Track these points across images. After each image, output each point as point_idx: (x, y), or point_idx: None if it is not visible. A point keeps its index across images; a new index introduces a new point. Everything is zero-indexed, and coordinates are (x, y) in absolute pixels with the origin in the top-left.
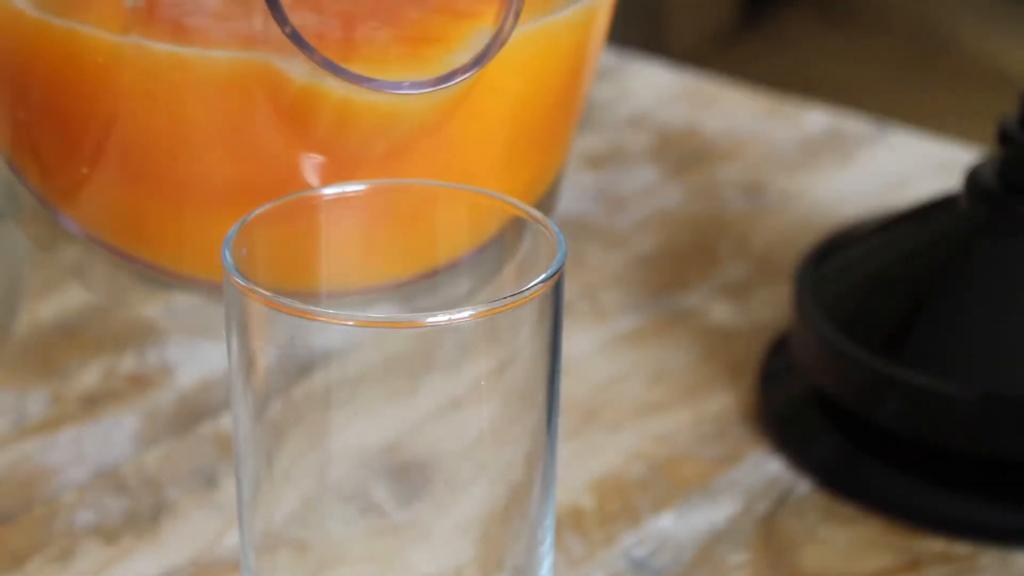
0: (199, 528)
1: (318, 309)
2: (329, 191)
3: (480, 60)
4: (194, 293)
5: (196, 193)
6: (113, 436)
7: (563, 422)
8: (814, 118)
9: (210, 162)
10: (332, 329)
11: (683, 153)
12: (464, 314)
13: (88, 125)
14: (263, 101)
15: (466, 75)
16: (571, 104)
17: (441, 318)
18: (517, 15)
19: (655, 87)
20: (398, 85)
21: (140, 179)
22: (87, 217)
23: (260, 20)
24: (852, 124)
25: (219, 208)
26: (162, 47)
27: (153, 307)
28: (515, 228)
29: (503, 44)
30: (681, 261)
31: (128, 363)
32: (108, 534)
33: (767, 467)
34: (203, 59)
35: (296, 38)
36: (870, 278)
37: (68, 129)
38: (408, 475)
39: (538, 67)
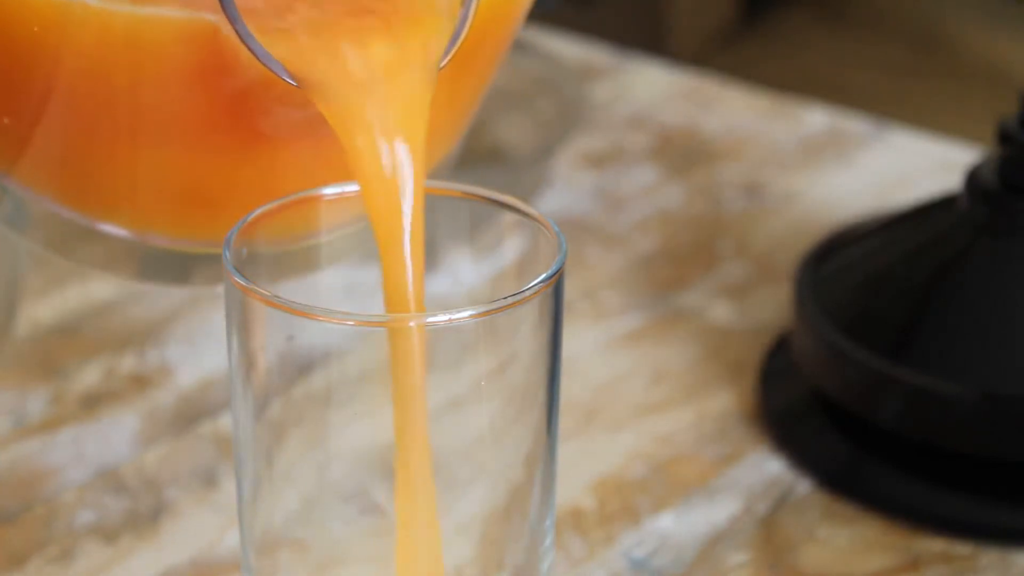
0: (199, 528)
1: (318, 309)
2: (329, 191)
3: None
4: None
5: (144, 150)
6: (113, 436)
7: (563, 422)
8: (814, 118)
9: (158, 121)
10: (332, 329)
11: (683, 153)
12: (464, 314)
13: (29, 81)
14: (214, 66)
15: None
16: (480, 76)
17: (441, 318)
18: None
19: (655, 87)
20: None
21: (84, 133)
22: (29, 174)
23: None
24: (852, 124)
25: (167, 162)
26: (109, 6)
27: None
28: None
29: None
30: (681, 261)
31: (128, 363)
32: (108, 534)
33: (767, 467)
34: (153, 19)
35: (263, 55)
36: (870, 278)
37: (9, 83)
38: None
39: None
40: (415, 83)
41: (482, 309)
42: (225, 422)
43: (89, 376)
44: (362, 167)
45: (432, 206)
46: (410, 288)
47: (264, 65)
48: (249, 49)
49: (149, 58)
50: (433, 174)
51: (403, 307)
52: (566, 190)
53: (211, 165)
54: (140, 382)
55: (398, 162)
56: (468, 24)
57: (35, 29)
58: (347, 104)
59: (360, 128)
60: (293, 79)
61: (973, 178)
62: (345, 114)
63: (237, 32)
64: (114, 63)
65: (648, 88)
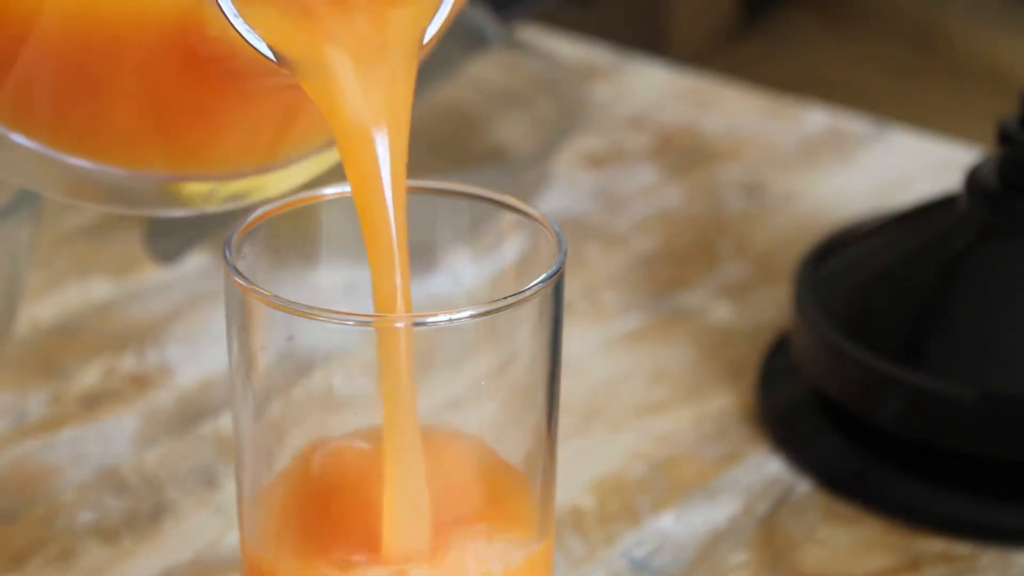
0: (199, 528)
1: (318, 309)
2: (329, 191)
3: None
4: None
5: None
6: (113, 436)
7: (563, 422)
8: (814, 118)
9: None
10: (332, 329)
11: (683, 153)
12: (464, 314)
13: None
14: (195, 40)
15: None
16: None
17: (441, 318)
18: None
19: (655, 87)
20: None
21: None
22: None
23: None
24: (852, 124)
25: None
26: None
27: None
28: None
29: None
30: (681, 261)
31: (128, 363)
32: (108, 534)
33: (767, 467)
34: None
35: (247, 34)
36: (870, 278)
37: None
38: None
39: None
40: (399, 62)
41: (482, 309)
42: (225, 422)
43: (89, 376)
44: (349, 145)
45: (432, 206)
46: (396, 262)
47: (249, 44)
48: (234, 28)
49: (129, 26)
50: None
51: (389, 284)
52: (566, 190)
53: (186, 110)
54: (140, 382)
55: (382, 140)
56: (451, 2)
57: None
58: (331, 85)
59: (344, 108)
60: (276, 58)
61: (973, 178)
62: (329, 94)
63: (222, 11)
64: (93, 26)
65: (648, 88)
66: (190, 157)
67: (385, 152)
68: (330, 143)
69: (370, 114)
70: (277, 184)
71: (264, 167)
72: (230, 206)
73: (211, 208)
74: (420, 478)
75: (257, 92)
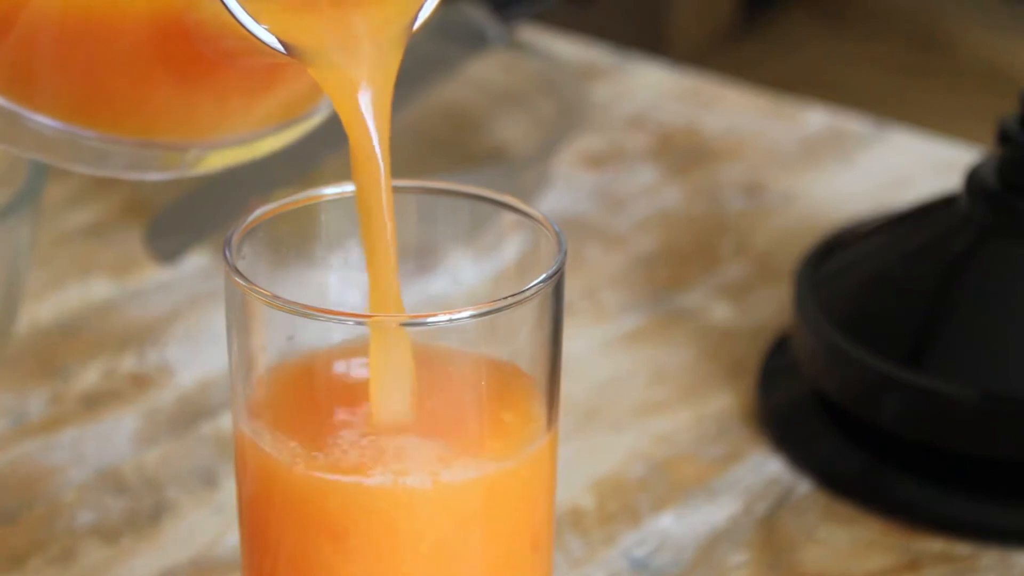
0: (199, 528)
1: (318, 309)
2: (329, 191)
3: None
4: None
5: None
6: (113, 436)
7: (563, 422)
8: (814, 118)
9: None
10: (332, 329)
11: (683, 153)
12: (464, 314)
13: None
14: (189, 28)
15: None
16: None
17: (441, 318)
18: None
19: (655, 87)
20: None
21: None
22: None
23: None
24: (852, 124)
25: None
26: None
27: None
28: None
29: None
30: (681, 261)
31: (128, 363)
32: (108, 534)
33: (767, 467)
34: None
35: (254, 29)
36: (870, 278)
37: None
38: None
39: None
40: (391, 48)
41: (482, 309)
42: (225, 422)
43: (89, 376)
44: (354, 124)
45: (432, 206)
46: (388, 232)
47: (257, 39)
48: (240, 24)
49: (124, 16)
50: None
51: (385, 261)
52: (566, 190)
53: (169, 82)
54: (140, 382)
55: (377, 116)
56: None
57: None
58: (342, 70)
59: (353, 91)
60: (284, 48)
61: (973, 178)
62: (341, 81)
63: (229, 10)
64: (88, 15)
65: (648, 88)
66: (168, 125)
67: (373, 127)
68: (301, 116)
69: (361, 94)
70: (252, 151)
71: (241, 137)
72: (204, 172)
73: (187, 174)
74: (405, 351)
75: (243, 68)
